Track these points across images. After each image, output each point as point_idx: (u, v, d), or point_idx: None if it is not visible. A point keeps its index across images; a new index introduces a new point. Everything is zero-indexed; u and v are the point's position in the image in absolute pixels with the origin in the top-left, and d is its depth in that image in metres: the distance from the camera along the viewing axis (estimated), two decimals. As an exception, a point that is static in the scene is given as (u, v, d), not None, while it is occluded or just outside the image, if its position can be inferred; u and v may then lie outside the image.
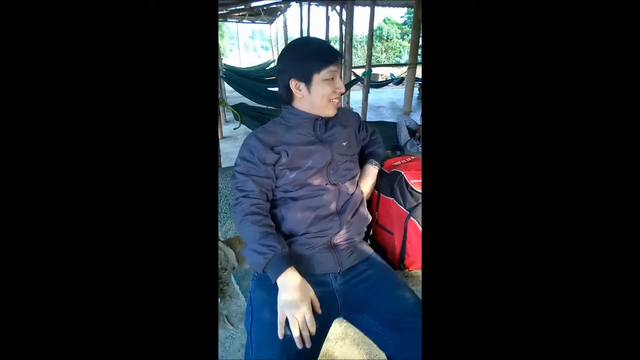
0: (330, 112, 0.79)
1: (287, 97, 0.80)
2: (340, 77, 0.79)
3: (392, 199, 0.92)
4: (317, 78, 0.74)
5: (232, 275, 1.08)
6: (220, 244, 1.45)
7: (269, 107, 2.57)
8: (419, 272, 0.93)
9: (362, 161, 0.93)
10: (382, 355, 0.72)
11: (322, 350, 0.71)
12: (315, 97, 0.76)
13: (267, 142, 0.77)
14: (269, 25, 8.47)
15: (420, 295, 0.77)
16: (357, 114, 0.99)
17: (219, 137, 3.96)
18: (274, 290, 0.68)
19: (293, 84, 0.77)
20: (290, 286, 0.66)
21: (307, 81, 0.75)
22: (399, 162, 1.01)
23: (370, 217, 0.88)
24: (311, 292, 0.68)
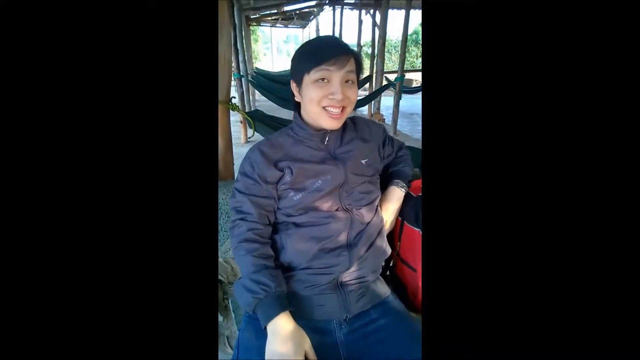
0: (325, 123, 0.64)
1: (295, 102, 0.69)
2: (353, 82, 0.64)
3: (418, 229, 0.76)
4: (307, 79, 0.61)
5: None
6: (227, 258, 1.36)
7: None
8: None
9: (385, 182, 0.79)
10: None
11: None
12: (305, 102, 0.64)
13: (271, 156, 0.66)
14: (302, 29, 8.51)
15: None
16: (382, 126, 0.84)
17: (243, 141, 3.96)
18: (263, 334, 0.57)
19: (293, 86, 0.66)
20: (282, 335, 0.55)
21: (300, 83, 0.63)
22: (428, 184, 0.85)
23: (389, 251, 0.74)
24: (307, 344, 0.56)
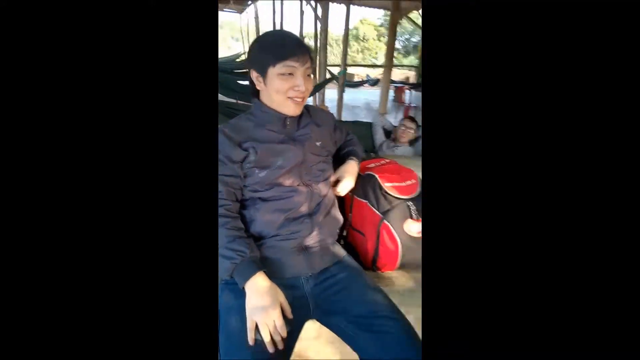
0: (289, 110, 0.75)
1: (254, 89, 0.77)
2: (310, 76, 0.75)
3: (365, 201, 0.90)
4: (272, 72, 0.70)
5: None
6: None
7: (238, 102, 2.47)
8: (392, 274, 0.93)
9: (341, 161, 0.91)
10: (355, 354, 0.71)
11: (295, 351, 0.69)
12: (271, 91, 0.73)
13: (235, 138, 0.73)
14: (239, 15, 8.21)
15: (391, 297, 0.77)
16: (331, 113, 0.96)
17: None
18: (241, 294, 0.65)
19: (254, 75, 0.74)
20: (259, 291, 0.63)
21: (263, 74, 0.72)
22: (373, 165, 1.00)
23: (342, 220, 0.86)
24: (281, 297, 0.65)
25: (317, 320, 0.75)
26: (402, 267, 0.92)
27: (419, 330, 0.69)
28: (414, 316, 0.76)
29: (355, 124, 2.33)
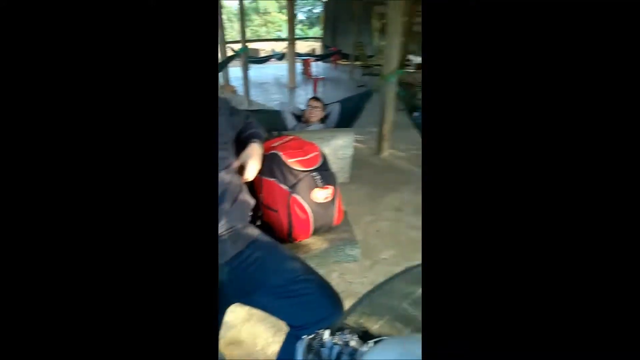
0: None
1: None
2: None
3: (273, 179, 0.94)
4: None
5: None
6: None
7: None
8: (308, 241, 1.01)
9: (244, 144, 0.92)
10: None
11: (229, 337, 0.71)
12: None
13: None
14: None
15: (310, 261, 0.84)
16: (225, 99, 0.95)
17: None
18: None
19: None
20: None
21: None
22: (277, 143, 1.03)
23: (253, 201, 0.89)
24: None
25: (243, 303, 0.79)
26: (316, 232, 1.00)
27: (419, 331, 0.74)
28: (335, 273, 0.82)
29: (260, 112, 2.32)
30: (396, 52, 2.34)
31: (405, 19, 6.12)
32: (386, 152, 2.72)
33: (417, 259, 1.49)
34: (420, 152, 2.72)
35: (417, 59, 8.24)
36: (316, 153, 1.02)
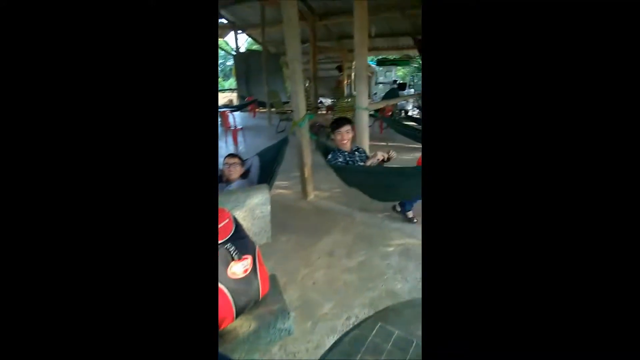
0: None
1: None
2: None
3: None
4: None
5: None
6: None
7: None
8: (234, 324, 0.87)
9: None
10: None
11: None
12: None
13: None
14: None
15: (237, 350, 0.71)
16: None
17: None
18: None
19: None
20: None
21: None
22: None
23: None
24: None
25: None
26: (241, 312, 0.88)
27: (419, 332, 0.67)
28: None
29: None
30: (302, 98, 2.44)
31: (308, 66, 6.66)
32: (312, 195, 2.73)
33: (355, 306, 1.45)
34: (342, 191, 2.81)
35: (328, 101, 8.91)
36: (227, 221, 0.92)
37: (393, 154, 2.02)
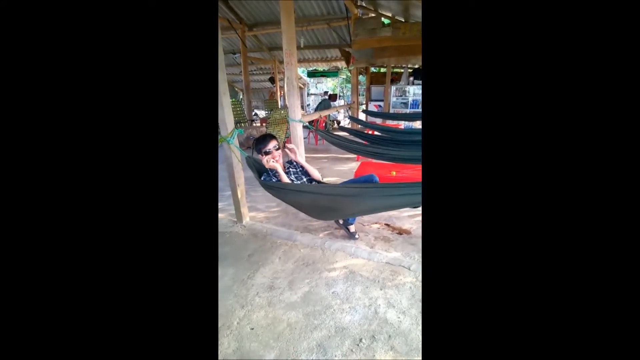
0: None
1: None
2: None
3: None
4: None
5: None
6: None
7: None
8: None
9: None
10: None
11: None
12: None
13: None
14: None
15: None
16: None
17: None
18: None
19: None
20: None
21: None
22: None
23: None
24: None
25: None
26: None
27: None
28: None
29: None
30: (229, 112, 2.20)
31: (241, 77, 6.36)
32: (247, 218, 2.48)
33: (302, 349, 1.27)
34: (281, 209, 2.62)
35: (262, 113, 8.66)
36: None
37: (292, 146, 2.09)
